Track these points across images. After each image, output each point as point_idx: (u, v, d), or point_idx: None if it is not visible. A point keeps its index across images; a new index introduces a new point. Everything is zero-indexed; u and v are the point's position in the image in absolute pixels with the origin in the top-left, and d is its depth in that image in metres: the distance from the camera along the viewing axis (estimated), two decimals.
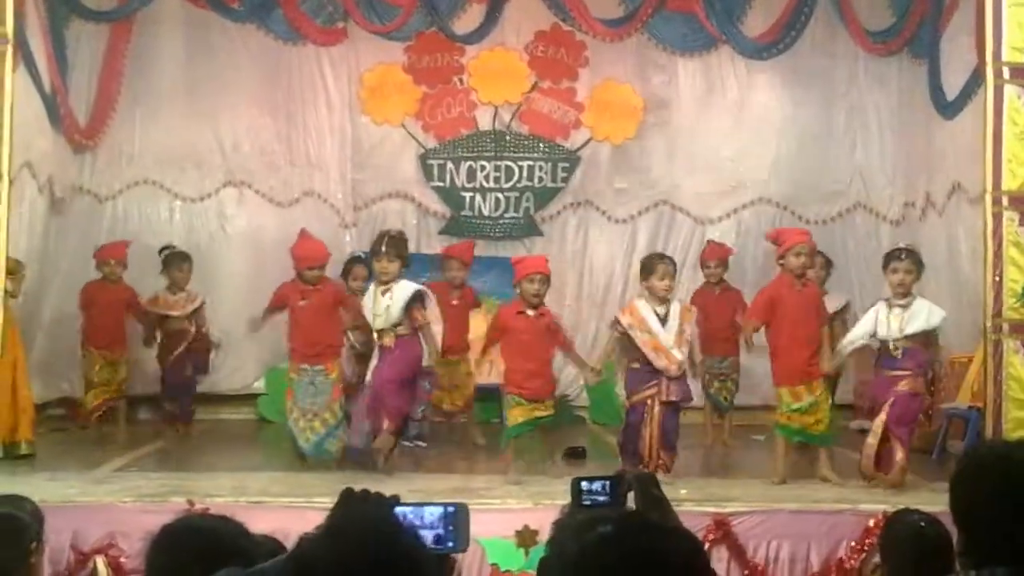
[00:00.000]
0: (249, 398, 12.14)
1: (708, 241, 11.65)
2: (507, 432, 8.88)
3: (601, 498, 3.37)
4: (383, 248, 8.73)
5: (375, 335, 8.77)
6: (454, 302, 10.11)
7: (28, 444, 9.13)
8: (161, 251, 10.84)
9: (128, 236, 11.64)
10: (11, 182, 8.87)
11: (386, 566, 2.29)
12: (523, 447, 8.90)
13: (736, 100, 12.82)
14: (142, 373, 11.22)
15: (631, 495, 3.49)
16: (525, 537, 7.01)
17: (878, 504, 7.19)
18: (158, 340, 10.73)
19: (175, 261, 10.72)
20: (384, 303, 8.64)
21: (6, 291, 8.88)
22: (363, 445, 8.74)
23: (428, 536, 2.71)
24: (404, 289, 8.66)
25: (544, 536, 6.78)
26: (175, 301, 10.65)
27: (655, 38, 12.47)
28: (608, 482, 3.39)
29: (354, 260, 10.72)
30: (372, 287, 8.93)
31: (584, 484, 3.40)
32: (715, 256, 11.02)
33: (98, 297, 10.53)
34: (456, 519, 2.79)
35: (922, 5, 11.09)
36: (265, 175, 12.62)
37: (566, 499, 6.89)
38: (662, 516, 2.97)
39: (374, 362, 8.78)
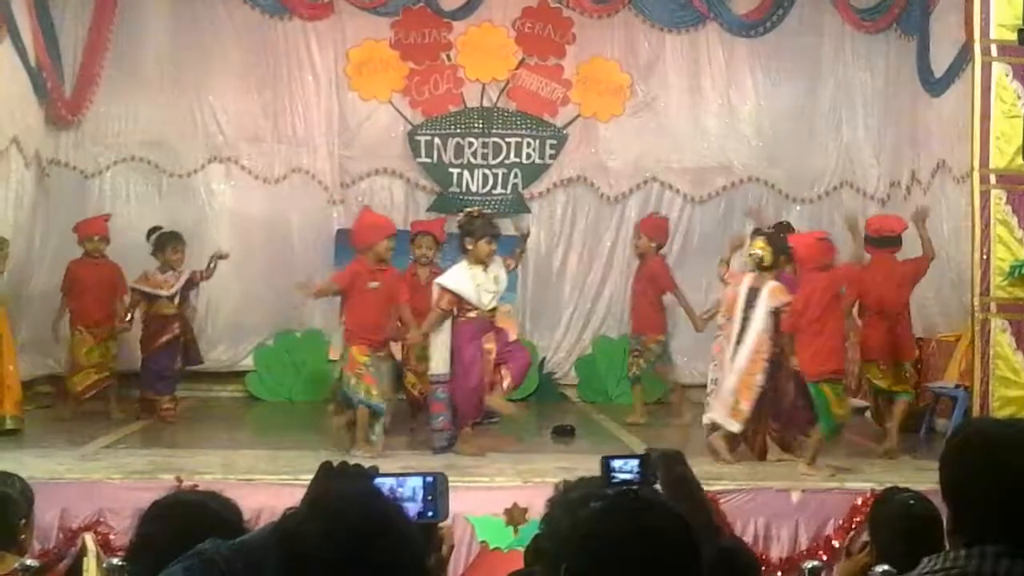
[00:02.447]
0: (238, 375, 12.13)
1: (651, 214, 11.53)
2: None
3: (630, 476, 3.36)
4: (483, 229, 8.68)
5: (481, 313, 8.63)
6: (423, 282, 9.59)
7: (14, 419, 9.09)
8: (151, 233, 10.47)
9: (115, 212, 11.59)
10: None
11: (370, 535, 2.31)
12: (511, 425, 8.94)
13: (723, 77, 12.80)
14: (130, 349, 11.19)
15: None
16: (514, 515, 7.03)
17: (865, 483, 7.23)
18: (131, 320, 10.41)
19: (170, 242, 10.35)
20: (490, 282, 8.64)
21: None
22: (444, 444, 8.62)
23: (409, 508, 2.72)
24: (502, 267, 8.76)
25: (533, 514, 6.81)
26: (163, 280, 10.30)
27: (642, 14, 12.48)
28: (638, 460, 3.37)
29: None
30: (465, 267, 8.73)
31: (614, 463, 3.38)
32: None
33: (84, 275, 10.25)
34: (435, 489, 2.79)
35: None
36: (251, 151, 12.56)
37: (555, 477, 6.95)
38: (686, 494, 2.96)
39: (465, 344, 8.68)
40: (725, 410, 8.42)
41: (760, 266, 8.59)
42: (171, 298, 10.30)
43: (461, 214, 9.11)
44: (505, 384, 8.70)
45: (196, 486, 6.59)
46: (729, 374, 8.46)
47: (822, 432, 8.06)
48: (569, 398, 12.26)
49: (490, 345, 8.66)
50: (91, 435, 8.97)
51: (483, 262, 8.63)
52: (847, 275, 8.57)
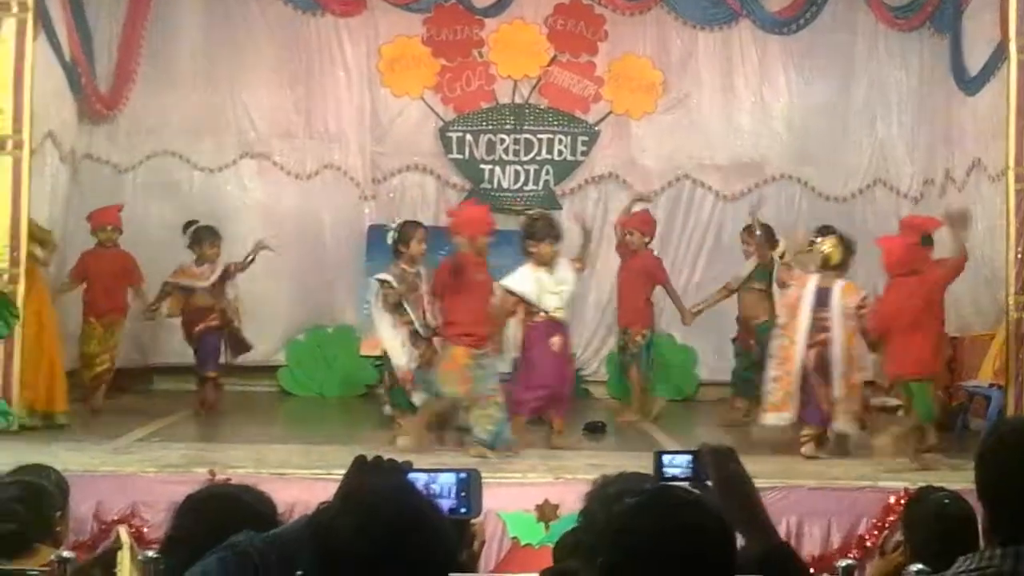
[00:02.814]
0: (270, 370, 12.17)
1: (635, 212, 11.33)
2: None
3: (681, 472, 3.35)
4: (545, 231, 8.74)
5: (542, 314, 8.75)
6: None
7: (64, 414, 9.17)
8: (187, 227, 10.49)
9: (147, 207, 11.67)
10: (33, 151, 8.93)
11: (403, 531, 2.32)
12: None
13: (756, 75, 12.76)
14: (165, 343, 11.26)
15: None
16: (546, 511, 7.03)
17: (898, 481, 7.18)
18: (156, 310, 10.49)
19: (206, 236, 10.37)
20: (554, 284, 8.72)
21: (37, 259, 8.97)
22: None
23: (443, 504, 2.72)
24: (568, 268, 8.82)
25: (564, 510, 6.82)
26: (200, 272, 10.31)
27: (675, 11, 12.45)
28: (691, 456, 3.37)
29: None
30: (529, 269, 8.79)
31: (666, 458, 3.38)
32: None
33: (97, 265, 10.28)
34: (468, 485, 2.79)
35: None
36: (284, 147, 12.62)
37: (586, 473, 6.95)
38: (738, 492, 2.94)
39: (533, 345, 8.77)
40: (846, 416, 8.48)
41: (827, 266, 8.57)
42: (208, 289, 10.30)
43: (523, 217, 9.11)
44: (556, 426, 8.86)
45: (229, 479, 6.62)
46: (821, 384, 8.48)
47: (921, 419, 8.19)
48: (593, 394, 12.24)
49: (558, 344, 8.74)
50: (125, 428, 9.02)
51: (547, 264, 8.65)
52: (946, 278, 8.53)
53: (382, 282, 8.77)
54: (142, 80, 12.05)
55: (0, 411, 8.44)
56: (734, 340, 10.77)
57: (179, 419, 9.90)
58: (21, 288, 8.61)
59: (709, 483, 3.04)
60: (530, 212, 9.22)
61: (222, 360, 10.53)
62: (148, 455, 7.78)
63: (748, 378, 10.22)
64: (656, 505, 2.45)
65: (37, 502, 4.48)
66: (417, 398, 8.53)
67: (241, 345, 10.64)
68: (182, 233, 10.45)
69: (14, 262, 8.59)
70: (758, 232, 10.28)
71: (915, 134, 12.57)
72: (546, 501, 7.06)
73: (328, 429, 9.73)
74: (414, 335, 8.75)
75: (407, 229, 9.03)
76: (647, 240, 10.75)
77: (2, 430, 8.40)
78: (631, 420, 10.31)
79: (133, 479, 7.08)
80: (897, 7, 11.55)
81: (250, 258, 10.50)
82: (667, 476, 3.27)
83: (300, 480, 6.89)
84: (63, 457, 7.14)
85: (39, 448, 7.79)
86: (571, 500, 6.81)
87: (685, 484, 3.14)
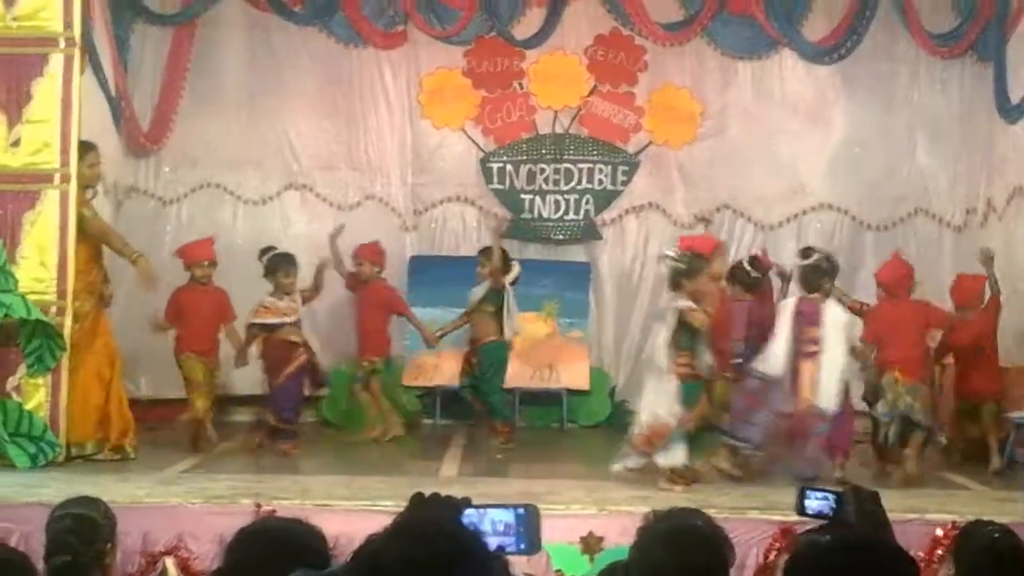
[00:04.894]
0: (312, 400, 12.16)
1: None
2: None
3: (822, 508, 3.39)
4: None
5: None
6: None
7: (133, 448, 9.25)
8: (263, 253, 10.23)
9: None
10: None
11: (448, 564, 2.32)
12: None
13: (796, 104, 12.76)
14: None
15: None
16: (590, 543, 7.00)
17: (947, 514, 7.12)
18: (255, 356, 10.09)
19: (282, 264, 10.08)
20: None
21: (102, 296, 9.06)
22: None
23: (501, 541, 2.72)
24: None
25: (608, 543, 6.80)
26: (284, 308, 9.96)
27: (714, 42, 12.48)
28: (834, 495, 3.40)
29: None
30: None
31: (808, 492, 3.42)
32: None
33: (191, 302, 10.02)
34: (527, 521, 2.79)
35: (987, 8, 11.01)
36: (326, 178, 12.71)
37: (631, 505, 6.94)
38: (875, 532, 2.97)
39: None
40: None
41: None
42: (295, 324, 10.03)
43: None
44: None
45: (274, 511, 6.65)
46: None
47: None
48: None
49: None
50: (170, 460, 9.07)
51: None
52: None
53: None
54: (186, 113, 12.20)
55: (47, 443, 8.49)
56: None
57: (223, 450, 9.92)
58: (68, 320, 8.66)
59: (850, 521, 3.07)
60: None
61: (302, 399, 10.33)
62: (194, 486, 7.79)
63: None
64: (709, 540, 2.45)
65: (90, 534, 4.51)
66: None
67: (320, 376, 10.43)
68: (258, 259, 10.22)
69: (61, 295, 8.65)
70: (495, 255, 10.53)
71: (957, 162, 12.51)
72: (590, 533, 7.03)
73: (372, 460, 9.73)
74: None
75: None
76: (377, 270, 10.99)
77: (49, 461, 8.46)
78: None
79: (179, 510, 7.08)
80: (939, 35, 11.52)
81: (318, 283, 10.47)
82: (810, 512, 3.31)
83: (346, 512, 6.89)
84: (110, 488, 7.17)
85: (86, 479, 7.85)
86: (615, 532, 6.81)
87: (827, 521, 3.19)
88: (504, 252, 10.76)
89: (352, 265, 11.01)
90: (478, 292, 10.63)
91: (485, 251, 10.86)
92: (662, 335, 8.25)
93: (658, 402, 8.21)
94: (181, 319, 10.07)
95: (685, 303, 8.22)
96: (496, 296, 10.54)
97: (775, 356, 8.79)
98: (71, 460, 8.75)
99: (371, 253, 11.06)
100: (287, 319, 9.95)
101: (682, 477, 8.13)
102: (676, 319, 8.20)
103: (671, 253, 8.58)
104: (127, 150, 11.56)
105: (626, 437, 8.48)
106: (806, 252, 9.32)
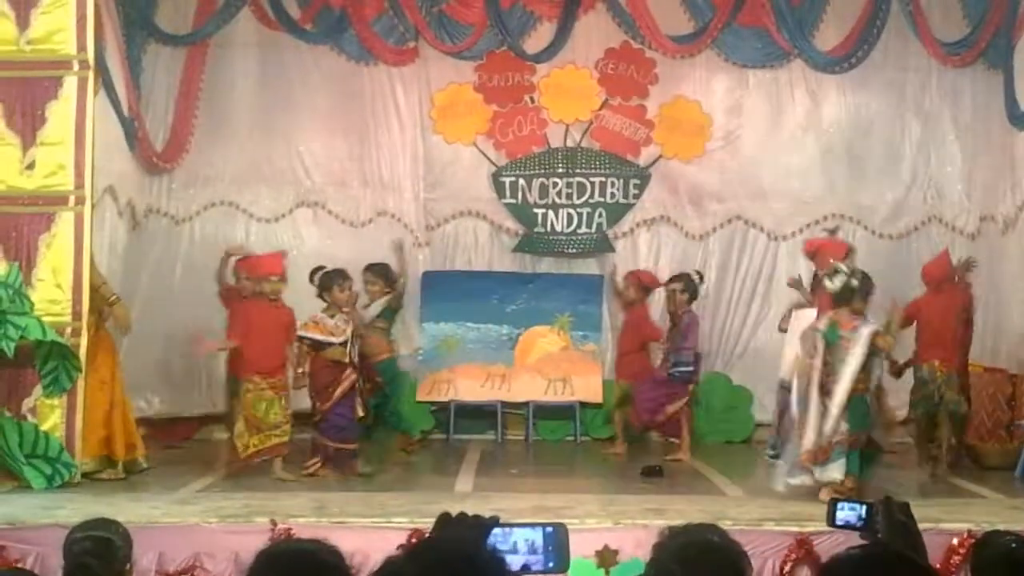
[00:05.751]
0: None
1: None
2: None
3: (853, 519, 3.41)
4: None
5: None
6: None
7: (146, 458, 9.35)
8: (313, 274, 9.84)
9: (204, 257, 11.65)
10: (94, 206, 9.06)
11: None
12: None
13: (808, 114, 12.76)
14: (214, 391, 11.29)
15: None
16: (605, 557, 7.00)
17: (961, 523, 7.11)
18: (304, 373, 9.53)
19: (335, 279, 9.66)
20: None
21: (101, 313, 9.09)
22: None
23: (523, 560, 2.72)
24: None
25: (623, 556, 6.80)
26: (335, 326, 9.54)
27: (725, 53, 12.48)
28: (865, 507, 3.42)
29: None
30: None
31: (840, 505, 3.45)
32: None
33: (261, 320, 9.40)
34: (556, 540, 2.80)
35: (997, 15, 11.00)
36: (338, 195, 12.73)
37: (644, 518, 6.94)
38: (906, 545, 2.98)
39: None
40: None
41: None
42: (343, 344, 9.56)
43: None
44: None
45: (290, 529, 6.67)
46: None
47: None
48: (653, 438, 12.21)
49: None
50: (185, 479, 9.08)
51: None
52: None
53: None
54: (198, 132, 12.25)
55: (63, 464, 8.51)
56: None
57: (237, 468, 9.91)
58: (84, 341, 8.70)
59: (880, 534, 3.09)
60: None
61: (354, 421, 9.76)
62: (210, 505, 7.80)
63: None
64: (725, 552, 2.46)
65: (110, 556, 4.53)
66: None
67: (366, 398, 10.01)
68: (309, 281, 9.82)
69: (76, 316, 8.69)
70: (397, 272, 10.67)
71: (970, 170, 12.49)
72: (605, 547, 7.03)
73: (387, 476, 9.72)
74: None
75: None
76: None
77: (66, 482, 8.48)
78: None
79: (195, 529, 7.10)
80: (950, 43, 11.52)
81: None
82: (840, 523, 3.34)
83: (362, 529, 6.91)
84: (125, 508, 7.22)
85: (101, 499, 7.88)
86: (630, 545, 6.81)
87: (857, 532, 3.21)
88: (390, 268, 10.79)
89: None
90: (374, 309, 10.53)
91: (371, 268, 10.72)
92: (851, 362, 8.21)
93: (824, 421, 8.21)
94: (247, 337, 9.43)
95: (872, 328, 8.31)
96: (390, 313, 10.61)
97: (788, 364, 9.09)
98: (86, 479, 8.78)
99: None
100: (333, 339, 9.50)
101: (839, 492, 7.95)
102: (867, 346, 8.23)
103: (844, 268, 8.62)
104: (140, 169, 11.59)
105: (784, 456, 8.59)
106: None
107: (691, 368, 10.82)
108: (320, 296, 9.72)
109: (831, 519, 3.46)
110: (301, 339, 9.45)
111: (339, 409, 9.54)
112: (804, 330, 8.62)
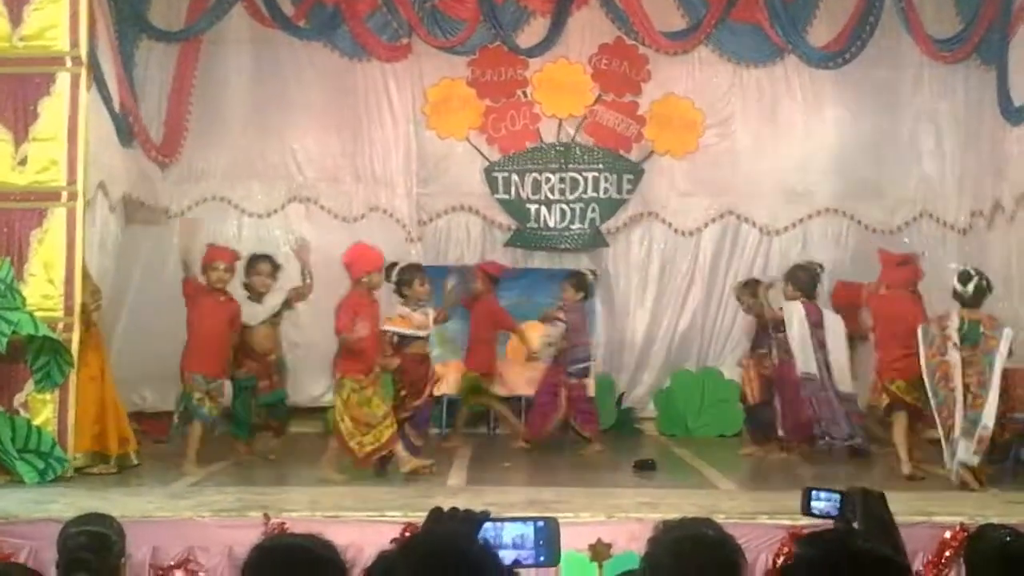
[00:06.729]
0: (318, 411, 12.19)
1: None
2: None
3: (828, 509, 3.42)
4: None
5: None
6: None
7: (136, 453, 9.35)
8: (389, 271, 9.69)
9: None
10: (87, 203, 9.05)
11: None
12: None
13: (800, 110, 12.79)
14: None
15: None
16: (599, 550, 6.99)
17: (954, 516, 7.12)
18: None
19: (415, 274, 9.70)
20: None
21: (85, 308, 9.07)
22: None
23: (515, 554, 2.73)
24: None
25: (617, 549, 6.80)
26: (418, 321, 9.50)
27: (719, 49, 12.49)
28: (839, 496, 3.42)
29: None
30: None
31: (814, 493, 3.45)
32: None
33: (371, 315, 9.18)
34: (546, 534, 2.80)
35: (990, 11, 11.03)
36: (331, 191, 12.75)
37: (638, 512, 6.94)
38: (882, 535, 2.98)
39: None
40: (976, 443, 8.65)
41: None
42: (425, 339, 9.66)
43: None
44: None
45: (284, 523, 6.67)
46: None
47: None
48: (645, 431, 12.25)
49: None
50: (179, 473, 9.08)
51: None
52: None
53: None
54: (191, 128, 12.23)
55: (56, 458, 8.51)
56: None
57: (231, 462, 9.91)
58: (75, 336, 8.69)
59: (855, 523, 3.09)
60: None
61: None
62: (203, 499, 7.78)
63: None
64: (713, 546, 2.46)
65: (105, 551, 4.53)
66: None
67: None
68: (385, 280, 9.65)
69: (68, 311, 8.68)
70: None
71: (962, 165, 12.52)
72: (599, 540, 7.02)
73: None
74: None
75: None
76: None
77: (58, 477, 8.48)
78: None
79: (189, 524, 7.08)
80: (943, 40, 11.54)
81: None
82: (815, 512, 3.34)
83: (356, 523, 6.90)
84: (119, 502, 7.21)
85: (95, 494, 7.87)
86: (623, 539, 6.81)
87: (831, 522, 3.21)
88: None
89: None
90: (272, 302, 10.24)
91: (262, 260, 10.34)
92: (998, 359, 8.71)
93: (984, 412, 8.64)
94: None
95: (1008, 328, 8.86)
96: (287, 309, 10.35)
97: (807, 356, 9.83)
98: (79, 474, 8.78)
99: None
100: (419, 333, 9.55)
101: (976, 478, 8.61)
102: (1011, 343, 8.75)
103: (972, 271, 9.02)
104: (132, 165, 11.56)
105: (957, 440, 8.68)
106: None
107: (587, 363, 10.98)
108: (398, 291, 9.72)
109: (806, 508, 3.46)
110: (386, 332, 9.40)
111: (427, 403, 9.77)
112: (923, 327, 8.98)
